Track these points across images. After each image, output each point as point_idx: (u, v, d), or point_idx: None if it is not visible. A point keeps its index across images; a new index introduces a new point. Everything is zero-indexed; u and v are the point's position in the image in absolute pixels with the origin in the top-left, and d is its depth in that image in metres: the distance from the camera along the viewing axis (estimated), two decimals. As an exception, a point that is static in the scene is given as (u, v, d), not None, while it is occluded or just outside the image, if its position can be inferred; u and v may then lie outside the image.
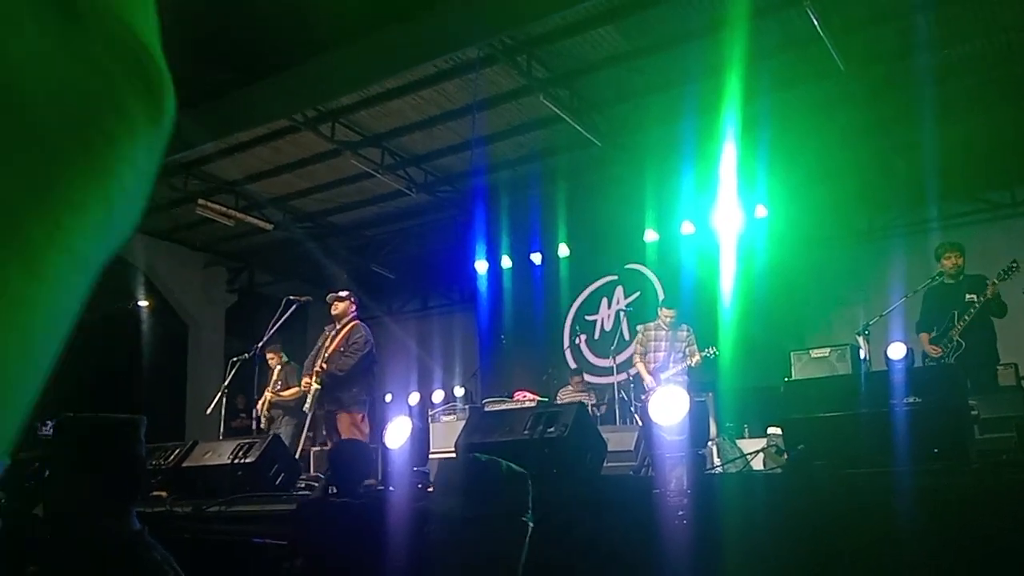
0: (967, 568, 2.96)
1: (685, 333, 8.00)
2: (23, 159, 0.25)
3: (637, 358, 8.09)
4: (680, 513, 2.77)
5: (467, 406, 9.43)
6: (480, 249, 12.00)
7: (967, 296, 6.41)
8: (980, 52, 8.04)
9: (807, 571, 3.05)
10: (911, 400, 3.44)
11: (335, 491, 3.93)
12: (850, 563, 3.06)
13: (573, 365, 11.20)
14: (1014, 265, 6.33)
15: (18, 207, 0.25)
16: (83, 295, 0.29)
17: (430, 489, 4.42)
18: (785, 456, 3.53)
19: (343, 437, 6.19)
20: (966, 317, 6.31)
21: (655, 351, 7.99)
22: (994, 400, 5.29)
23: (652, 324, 8.12)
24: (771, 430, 6.16)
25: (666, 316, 7.97)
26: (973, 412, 4.90)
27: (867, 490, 3.30)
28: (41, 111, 0.26)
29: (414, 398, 12.07)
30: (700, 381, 8.17)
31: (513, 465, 1.72)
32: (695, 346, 7.91)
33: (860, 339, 6.63)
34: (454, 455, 4.79)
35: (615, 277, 11.89)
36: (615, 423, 8.62)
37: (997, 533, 3.00)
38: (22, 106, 0.25)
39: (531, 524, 1.69)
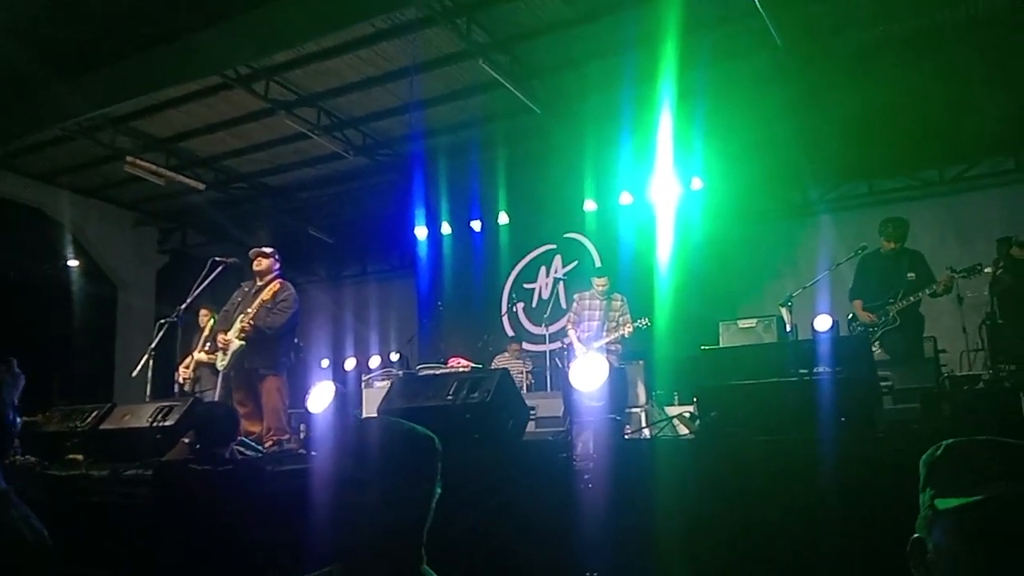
0: (870, 532, 3.05)
1: (619, 303, 8.05)
2: None
3: (570, 326, 8.13)
4: (586, 477, 2.80)
5: (402, 371, 9.38)
6: (420, 215, 11.88)
7: (908, 273, 6.55)
8: (913, 30, 8.17)
9: (712, 534, 3.11)
10: (821, 370, 3.52)
11: (197, 455, 3.85)
12: (756, 526, 3.13)
13: (510, 332, 11.24)
14: (979, 267, 6.46)
15: None
16: None
17: (313, 452, 4.39)
18: (697, 423, 3.58)
19: (265, 399, 6.05)
20: (911, 298, 6.45)
21: (588, 320, 8.04)
22: (910, 371, 5.44)
23: (587, 293, 8.16)
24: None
25: (599, 285, 8.01)
26: (887, 383, 5.06)
27: (776, 456, 3.37)
28: None
29: (350, 363, 12.00)
30: (633, 349, 8.26)
31: (417, 427, 1.67)
32: (628, 316, 7.96)
33: (783, 310, 6.76)
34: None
35: (554, 246, 11.92)
36: (547, 390, 8.69)
37: (894, 502, 3.10)
38: None
39: (438, 489, 1.64)
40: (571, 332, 8.05)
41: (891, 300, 6.54)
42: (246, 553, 3.26)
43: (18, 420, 2.12)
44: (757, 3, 7.19)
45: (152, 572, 3.70)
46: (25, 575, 1.88)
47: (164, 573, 3.53)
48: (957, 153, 9.97)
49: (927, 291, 6.43)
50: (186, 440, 4.11)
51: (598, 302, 8.01)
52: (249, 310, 6.12)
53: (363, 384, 9.37)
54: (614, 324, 7.93)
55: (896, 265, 6.68)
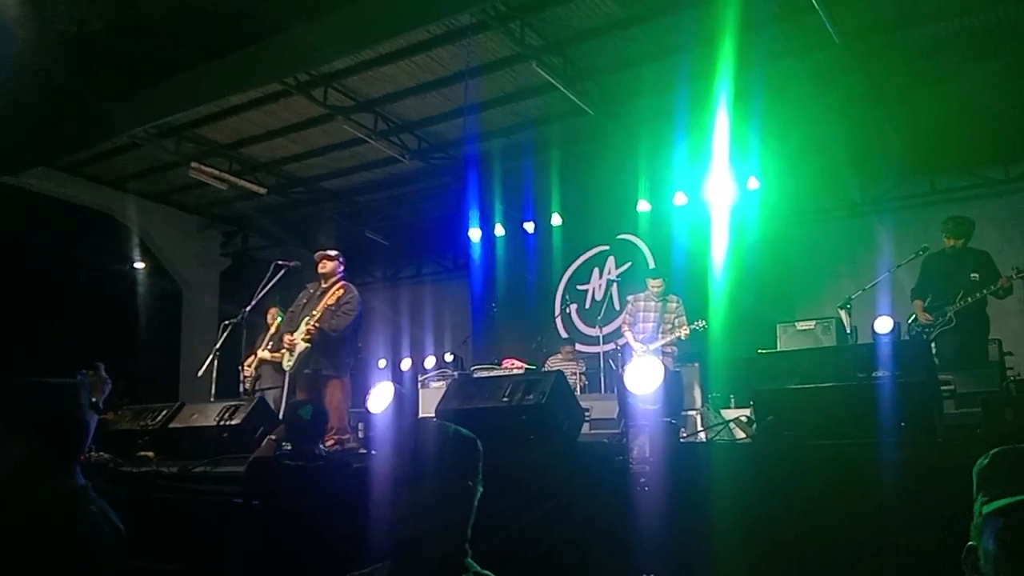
0: (930, 539, 3.02)
1: (674, 304, 8.02)
2: None
3: (625, 328, 8.12)
4: (642, 480, 2.83)
5: (456, 372, 9.50)
6: (474, 217, 11.97)
7: (972, 274, 6.40)
8: (975, 25, 7.97)
9: (770, 539, 3.11)
10: (879, 374, 3.48)
11: (289, 451, 3.98)
12: (814, 531, 3.12)
13: (564, 334, 11.26)
14: None
15: None
16: None
17: (374, 452, 4.50)
18: (754, 427, 3.58)
19: (328, 400, 6.18)
20: (969, 299, 6.31)
21: (643, 321, 8.02)
22: (972, 375, 5.32)
23: (642, 295, 8.14)
24: (754, 401, 6.20)
25: (654, 286, 7.99)
26: (949, 387, 4.96)
27: (834, 462, 3.36)
28: None
29: (406, 364, 12.18)
30: (688, 351, 8.22)
31: (462, 429, 1.76)
32: (684, 318, 7.92)
33: (842, 313, 6.67)
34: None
35: (607, 247, 11.91)
36: (602, 391, 8.70)
37: (955, 508, 3.06)
38: None
39: (479, 488, 1.74)
40: (627, 333, 8.04)
41: (950, 300, 6.40)
42: (326, 545, 3.36)
43: (95, 419, 2.26)
44: (814, 0, 7.11)
45: (227, 566, 3.84)
46: (104, 566, 2.01)
47: (243, 566, 3.67)
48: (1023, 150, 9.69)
49: (987, 291, 6.27)
50: (272, 437, 4.27)
51: (653, 303, 7.99)
52: (314, 312, 6.26)
53: (419, 384, 9.52)
54: (670, 326, 7.90)
55: (960, 265, 6.53)
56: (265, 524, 3.67)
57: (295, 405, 4.70)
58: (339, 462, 4.49)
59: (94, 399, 2.23)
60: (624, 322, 8.16)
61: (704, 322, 7.86)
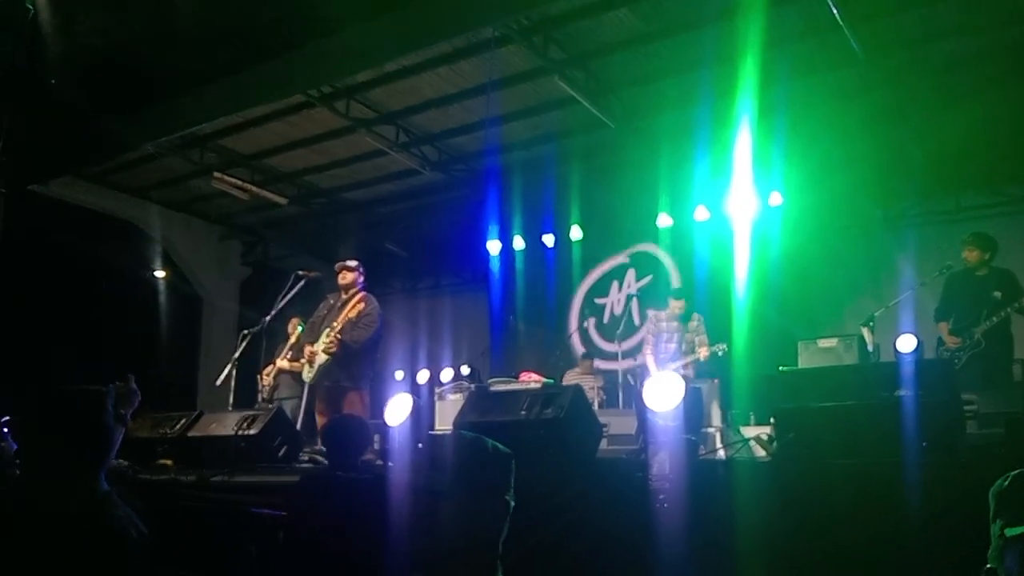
0: (952, 558, 2.98)
1: (695, 323, 7.99)
2: None
3: (647, 347, 8.07)
4: (661, 497, 2.81)
5: (473, 385, 9.48)
6: (493, 229, 11.97)
7: (995, 293, 6.33)
8: (1001, 41, 7.91)
9: (790, 557, 3.08)
10: (902, 393, 3.45)
11: (336, 464, 3.98)
12: (835, 550, 3.08)
13: (581, 350, 11.21)
14: None
15: None
16: None
17: (390, 464, 4.49)
18: (774, 445, 3.55)
19: (346, 412, 6.20)
20: (994, 319, 6.24)
21: (667, 342, 7.99)
22: (996, 396, 5.26)
23: (664, 313, 8.10)
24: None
25: (675, 308, 7.95)
26: (973, 407, 4.90)
27: (855, 480, 3.32)
28: None
29: (423, 376, 12.18)
30: (708, 368, 8.17)
31: (499, 444, 1.76)
32: (705, 336, 7.87)
33: (864, 330, 6.60)
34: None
35: (626, 260, 11.87)
36: (619, 407, 8.66)
37: (977, 528, 3.01)
38: None
39: (512, 503, 1.73)
40: (647, 351, 8.00)
41: (975, 321, 6.31)
42: (362, 558, 3.34)
43: (122, 430, 2.28)
44: (838, 17, 7.10)
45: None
46: (132, 568, 2.04)
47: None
48: (1050, 167, 9.57)
49: (1012, 308, 6.19)
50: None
51: (676, 324, 7.95)
52: (335, 324, 6.28)
53: (436, 397, 9.51)
54: (690, 346, 7.85)
55: (983, 284, 6.46)
56: (313, 537, 3.65)
57: (342, 418, 4.73)
58: (381, 475, 4.48)
59: (122, 411, 2.25)
60: (646, 340, 8.11)
61: (724, 346, 7.78)
